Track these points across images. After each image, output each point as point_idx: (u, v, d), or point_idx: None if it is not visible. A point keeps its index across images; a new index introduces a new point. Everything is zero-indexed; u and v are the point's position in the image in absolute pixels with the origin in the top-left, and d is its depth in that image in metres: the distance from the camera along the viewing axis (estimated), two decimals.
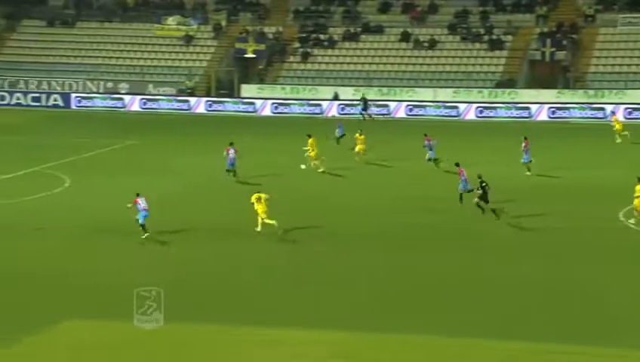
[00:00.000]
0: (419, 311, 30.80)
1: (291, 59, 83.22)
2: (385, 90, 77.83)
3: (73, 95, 79.79)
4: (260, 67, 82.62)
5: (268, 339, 27.98)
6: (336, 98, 77.25)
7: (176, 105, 78.69)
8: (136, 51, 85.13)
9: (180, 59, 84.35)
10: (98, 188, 47.70)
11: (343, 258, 36.50)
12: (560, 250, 37.50)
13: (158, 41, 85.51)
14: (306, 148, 51.35)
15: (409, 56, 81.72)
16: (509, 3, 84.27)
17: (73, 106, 78.99)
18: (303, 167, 50.89)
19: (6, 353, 26.93)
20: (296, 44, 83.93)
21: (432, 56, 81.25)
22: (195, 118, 75.70)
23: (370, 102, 74.26)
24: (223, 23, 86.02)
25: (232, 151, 49.54)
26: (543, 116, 73.65)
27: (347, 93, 77.64)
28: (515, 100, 75.39)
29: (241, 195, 46.90)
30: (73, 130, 59.03)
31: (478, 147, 58.86)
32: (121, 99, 79.05)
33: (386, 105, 75.90)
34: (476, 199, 41.52)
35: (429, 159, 52.24)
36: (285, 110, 77.42)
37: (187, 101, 79.03)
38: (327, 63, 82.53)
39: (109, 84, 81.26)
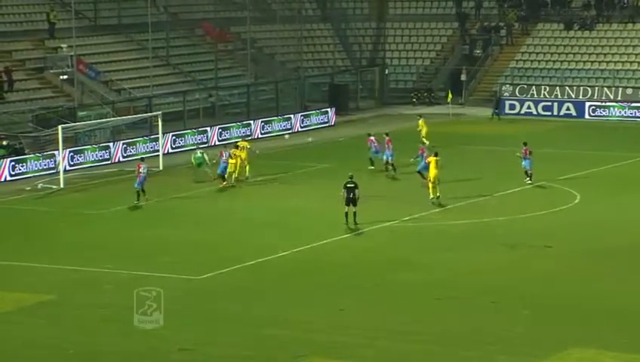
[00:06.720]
0: None
1: None
2: None
3: (587, 103, 77.70)
4: None
5: None
6: None
7: None
8: None
9: None
10: (608, 205, 46.80)
11: None
12: None
13: None
14: None
15: None
16: None
17: (586, 116, 76.86)
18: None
19: None
20: None
21: None
22: None
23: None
24: None
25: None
26: None
27: None
28: None
29: None
30: (586, 141, 57.76)
31: None
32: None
33: None
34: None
35: None
36: None
37: None
38: None
39: (629, 91, 78.25)
